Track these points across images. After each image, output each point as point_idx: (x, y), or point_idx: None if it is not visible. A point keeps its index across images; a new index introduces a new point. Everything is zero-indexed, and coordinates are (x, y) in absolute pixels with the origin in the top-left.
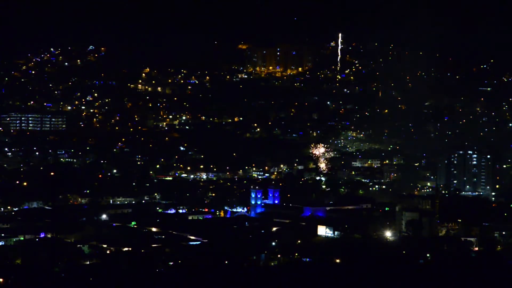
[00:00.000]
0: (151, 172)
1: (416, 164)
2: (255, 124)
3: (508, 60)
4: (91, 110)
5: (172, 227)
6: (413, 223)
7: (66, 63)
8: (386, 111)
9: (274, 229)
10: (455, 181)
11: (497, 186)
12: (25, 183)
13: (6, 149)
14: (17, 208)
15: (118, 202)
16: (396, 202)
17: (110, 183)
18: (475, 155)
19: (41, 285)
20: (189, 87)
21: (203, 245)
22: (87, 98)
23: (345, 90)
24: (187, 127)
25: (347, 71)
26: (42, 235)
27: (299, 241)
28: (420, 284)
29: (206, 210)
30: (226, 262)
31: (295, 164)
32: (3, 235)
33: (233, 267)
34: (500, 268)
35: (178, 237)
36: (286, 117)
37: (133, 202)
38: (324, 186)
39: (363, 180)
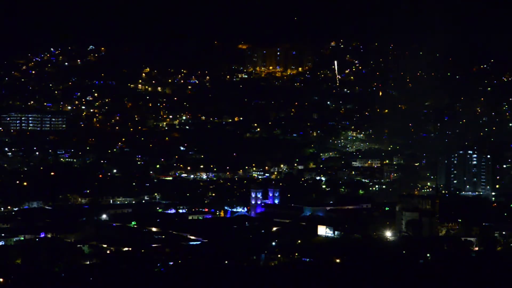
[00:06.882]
0: (151, 172)
1: (416, 164)
2: (255, 124)
3: (508, 60)
4: (91, 110)
5: (172, 227)
6: (413, 223)
7: (66, 63)
8: (386, 111)
9: (274, 229)
10: (455, 181)
11: (497, 186)
12: (25, 183)
13: (6, 149)
14: (17, 208)
15: (118, 202)
16: (396, 202)
17: (110, 183)
18: (475, 155)
19: (41, 285)
20: (189, 87)
21: (203, 245)
22: (87, 98)
23: (345, 90)
24: (187, 127)
25: (347, 71)
26: (42, 235)
27: (299, 241)
28: (420, 284)
29: (206, 210)
30: (226, 262)
31: (295, 164)
32: (3, 235)
33: (233, 267)
34: (500, 268)
35: (178, 237)
36: (286, 117)
37: (133, 202)
38: (324, 186)
39: (363, 180)
